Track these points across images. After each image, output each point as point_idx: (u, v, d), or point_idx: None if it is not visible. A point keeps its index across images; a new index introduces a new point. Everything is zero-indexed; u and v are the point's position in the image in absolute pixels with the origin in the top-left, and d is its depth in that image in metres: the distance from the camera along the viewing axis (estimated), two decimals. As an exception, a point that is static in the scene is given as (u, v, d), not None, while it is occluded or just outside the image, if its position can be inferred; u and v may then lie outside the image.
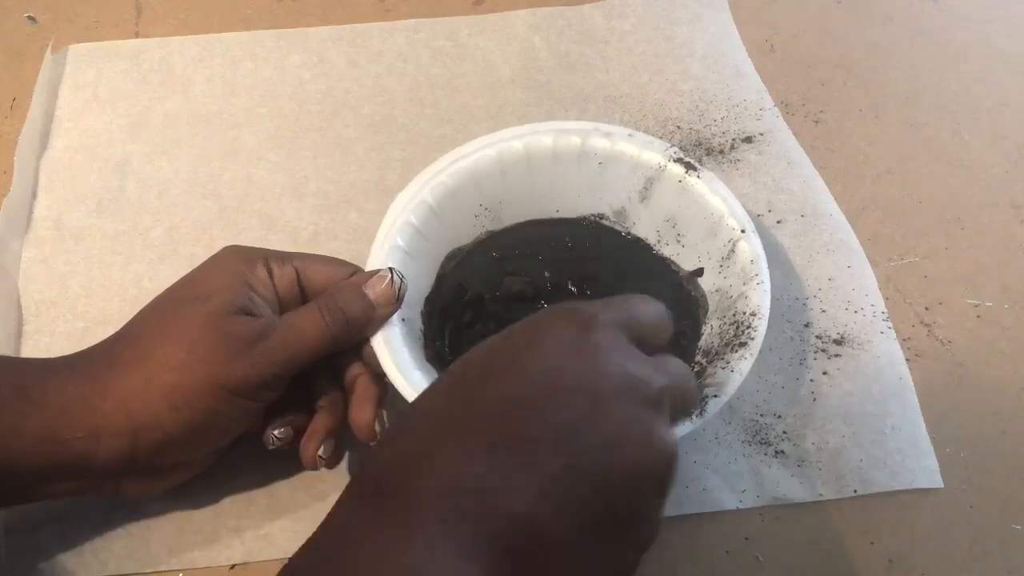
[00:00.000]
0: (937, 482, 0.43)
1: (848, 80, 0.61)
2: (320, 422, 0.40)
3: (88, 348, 0.38)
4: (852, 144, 0.57)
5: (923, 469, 0.43)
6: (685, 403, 0.32)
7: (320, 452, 0.39)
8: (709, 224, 0.45)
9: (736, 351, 0.40)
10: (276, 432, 0.40)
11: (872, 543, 0.41)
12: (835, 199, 0.53)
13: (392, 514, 0.26)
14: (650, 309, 0.33)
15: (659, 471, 0.29)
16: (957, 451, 0.44)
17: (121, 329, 0.39)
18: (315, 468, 0.40)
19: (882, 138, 0.57)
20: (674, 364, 0.32)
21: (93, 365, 0.37)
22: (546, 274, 0.47)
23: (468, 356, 0.31)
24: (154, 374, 0.36)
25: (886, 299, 0.49)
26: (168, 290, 0.39)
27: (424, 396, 0.31)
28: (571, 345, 0.29)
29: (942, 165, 0.56)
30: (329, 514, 0.29)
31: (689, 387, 0.32)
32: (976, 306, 0.49)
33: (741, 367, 0.39)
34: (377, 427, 0.39)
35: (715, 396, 0.38)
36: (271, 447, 0.40)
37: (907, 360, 0.46)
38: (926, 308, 0.49)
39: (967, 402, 0.45)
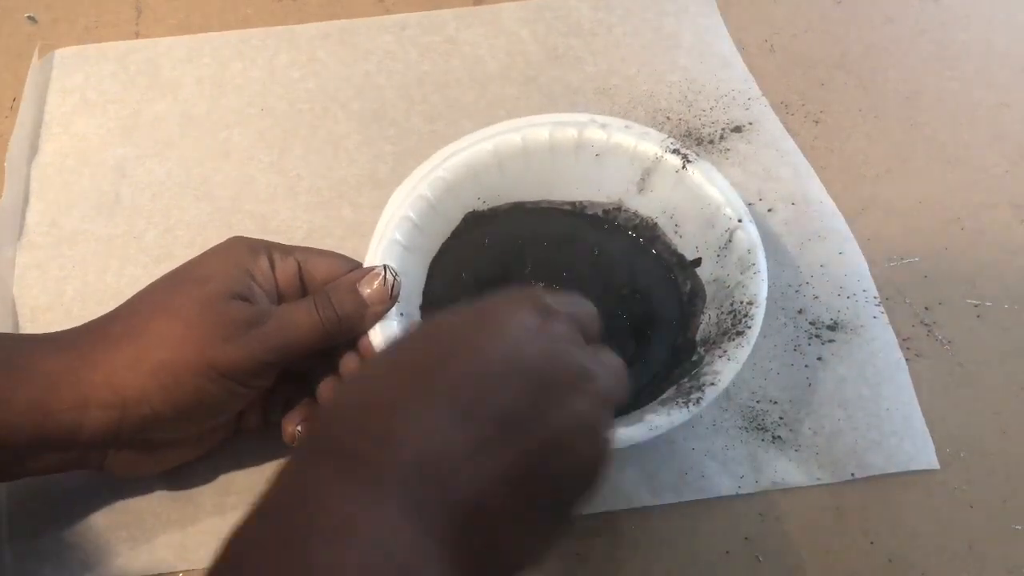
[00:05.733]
0: (933, 463, 0.43)
1: (848, 80, 0.61)
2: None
3: (81, 324, 0.39)
4: (852, 144, 0.57)
5: (919, 451, 0.44)
6: (617, 399, 0.33)
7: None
8: (706, 214, 0.45)
9: (733, 340, 0.40)
10: (298, 427, 0.40)
11: (872, 543, 0.41)
12: (835, 199, 0.53)
13: (354, 477, 0.26)
14: (589, 307, 0.34)
15: (599, 467, 0.30)
16: (957, 451, 0.44)
17: (117, 307, 0.39)
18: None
19: (882, 138, 0.57)
20: (608, 358, 0.33)
21: (84, 339, 0.37)
22: (530, 268, 0.47)
23: (434, 326, 0.31)
24: (144, 350, 0.36)
25: (886, 299, 0.49)
26: (168, 273, 0.40)
27: (387, 358, 0.31)
28: (533, 331, 0.30)
29: (942, 165, 0.56)
30: (279, 473, 0.28)
31: (621, 384, 0.33)
32: (976, 306, 0.49)
33: (738, 356, 0.39)
34: None
35: (712, 385, 0.39)
36: (295, 443, 0.41)
37: (907, 361, 0.46)
38: (926, 308, 0.49)
39: (967, 402, 0.46)
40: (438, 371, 0.29)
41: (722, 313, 0.42)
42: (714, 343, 0.41)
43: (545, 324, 0.31)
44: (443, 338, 0.31)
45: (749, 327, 0.40)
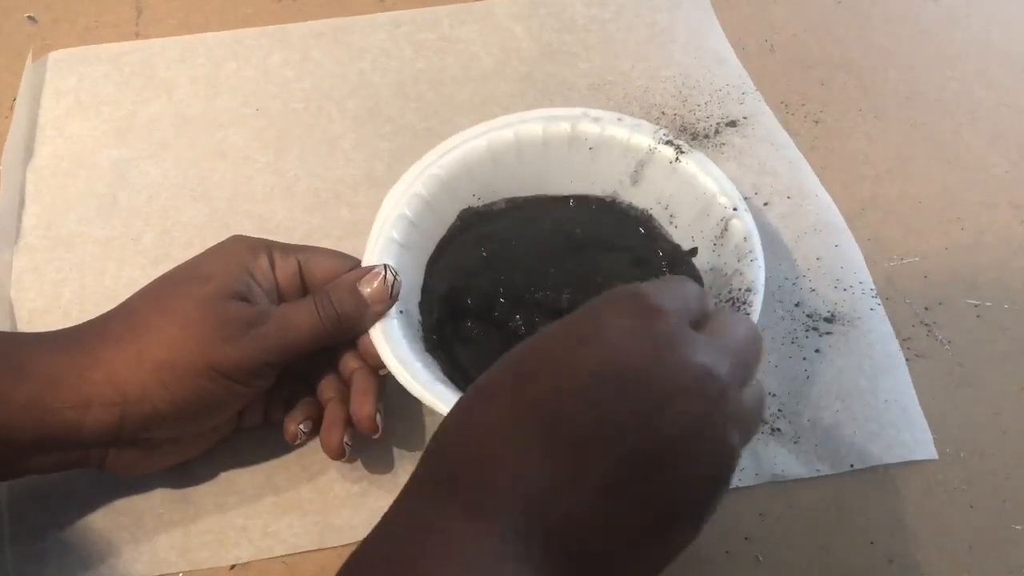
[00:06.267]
0: (931, 453, 0.43)
1: (848, 80, 0.61)
2: (337, 412, 0.41)
3: (82, 323, 0.39)
4: (852, 144, 0.57)
5: (917, 441, 0.44)
6: (750, 368, 0.31)
7: (346, 439, 0.40)
8: (701, 204, 0.45)
9: None
10: (301, 426, 0.41)
11: (872, 543, 0.41)
12: (835, 199, 0.53)
13: (457, 503, 0.27)
14: (693, 288, 0.32)
15: (722, 473, 0.29)
16: (957, 451, 0.44)
17: (117, 306, 0.39)
18: (341, 456, 0.40)
19: (882, 138, 0.57)
20: (732, 333, 0.31)
21: (85, 337, 0.37)
22: (526, 262, 0.47)
23: (529, 344, 0.30)
24: (146, 348, 0.36)
25: (886, 299, 0.49)
26: (168, 272, 0.40)
27: (484, 386, 0.30)
28: (636, 336, 0.28)
29: (942, 165, 0.56)
30: (396, 502, 0.29)
31: (753, 350, 0.31)
32: (976, 306, 0.49)
33: None
34: (378, 420, 0.40)
35: None
36: (297, 442, 0.41)
37: (907, 361, 0.47)
38: (926, 308, 0.49)
39: (967, 402, 0.46)
40: (528, 388, 0.28)
41: (721, 302, 0.42)
42: None
43: (647, 324, 0.29)
44: (533, 355, 0.30)
45: (748, 313, 0.40)
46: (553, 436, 0.27)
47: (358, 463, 0.43)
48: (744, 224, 0.43)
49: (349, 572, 0.27)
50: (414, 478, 0.30)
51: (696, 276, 0.46)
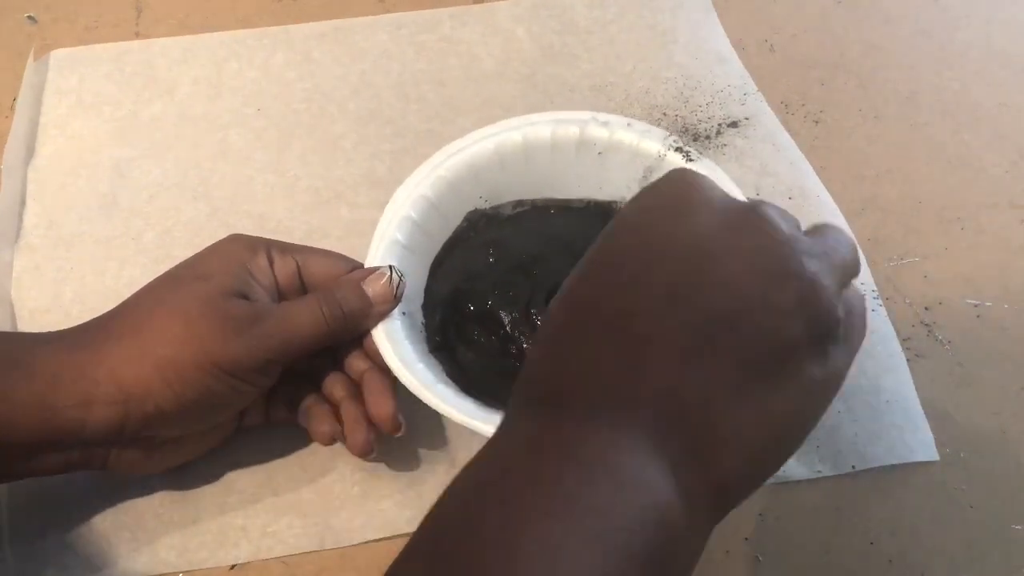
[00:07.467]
0: (933, 455, 0.43)
1: (848, 80, 0.61)
2: (354, 411, 0.40)
3: (83, 323, 0.39)
4: (852, 144, 0.57)
5: (919, 443, 0.44)
6: (848, 274, 0.30)
7: (373, 437, 0.40)
8: None
9: None
10: (325, 428, 0.41)
11: (872, 543, 0.41)
12: (835, 199, 0.53)
13: (595, 420, 0.25)
14: (848, 243, 0.31)
15: (831, 391, 0.28)
16: (957, 451, 0.44)
17: (118, 305, 0.39)
18: (369, 454, 0.40)
19: (882, 138, 0.57)
20: (832, 232, 0.30)
21: (87, 336, 0.37)
22: (532, 265, 0.47)
23: (611, 240, 0.29)
24: (148, 346, 0.36)
25: (886, 299, 0.49)
26: (168, 271, 0.40)
27: (578, 291, 0.29)
28: (787, 243, 0.28)
29: (942, 165, 0.56)
30: (496, 436, 0.27)
31: (854, 259, 0.31)
32: (976, 306, 0.49)
33: None
34: (400, 418, 0.40)
35: None
36: (328, 444, 0.41)
37: (907, 361, 0.47)
38: (926, 308, 0.49)
39: (967, 402, 0.46)
40: (648, 290, 0.27)
41: None
42: None
43: (745, 210, 0.28)
44: (632, 252, 0.28)
45: None
46: (704, 338, 0.26)
47: (358, 463, 0.43)
48: None
49: (463, 500, 0.25)
50: (522, 401, 0.28)
51: None
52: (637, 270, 0.27)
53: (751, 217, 0.28)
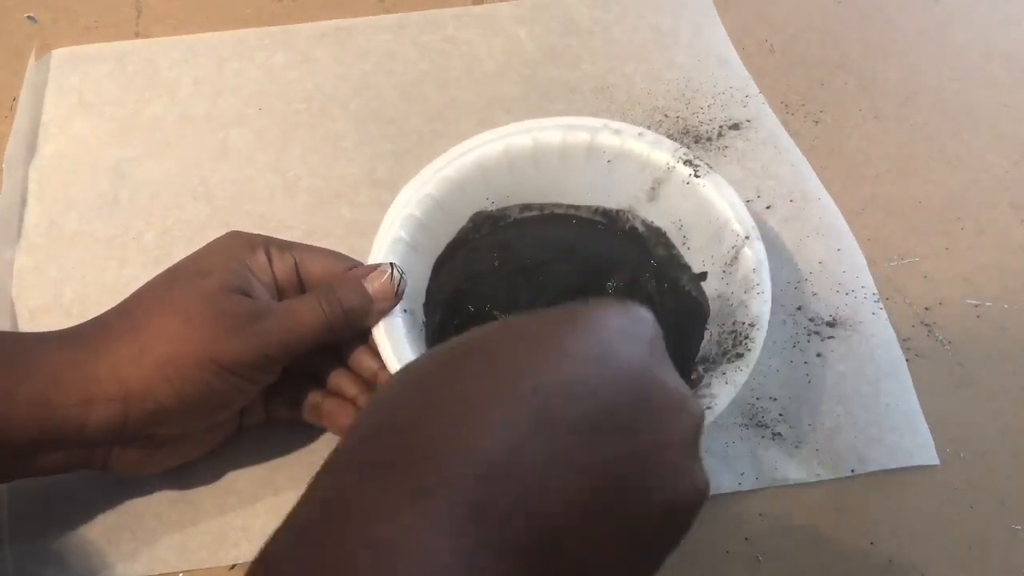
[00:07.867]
0: (933, 459, 0.43)
1: (848, 80, 0.61)
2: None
3: (84, 322, 0.39)
4: (852, 144, 0.57)
5: (919, 447, 0.44)
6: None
7: None
8: (714, 228, 0.44)
9: (733, 362, 0.39)
10: (346, 422, 0.41)
11: (872, 543, 0.41)
12: (835, 199, 0.53)
13: (402, 487, 0.24)
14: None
15: (695, 503, 0.27)
16: (957, 451, 0.44)
17: (119, 303, 0.39)
18: None
19: (882, 138, 0.57)
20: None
21: (87, 335, 0.37)
22: (534, 270, 0.47)
23: (508, 324, 0.28)
24: (148, 344, 0.36)
25: (886, 299, 0.49)
26: (168, 269, 0.40)
27: (447, 353, 0.28)
28: (634, 338, 0.27)
29: (942, 165, 0.56)
30: (312, 486, 0.25)
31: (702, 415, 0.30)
32: (976, 306, 0.49)
33: (736, 379, 0.38)
34: None
35: (708, 408, 0.37)
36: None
37: (907, 361, 0.47)
38: (926, 308, 0.49)
39: (967, 402, 0.46)
40: (524, 371, 0.26)
41: (723, 332, 0.41)
42: (713, 363, 0.40)
43: (641, 331, 0.28)
44: (523, 336, 0.27)
45: (749, 350, 0.39)
46: (539, 425, 0.25)
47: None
48: (755, 254, 0.42)
49: (270, 564, 0.24)
50: (343, 454, 0.26)
51: (705, 302, 0.45)
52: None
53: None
